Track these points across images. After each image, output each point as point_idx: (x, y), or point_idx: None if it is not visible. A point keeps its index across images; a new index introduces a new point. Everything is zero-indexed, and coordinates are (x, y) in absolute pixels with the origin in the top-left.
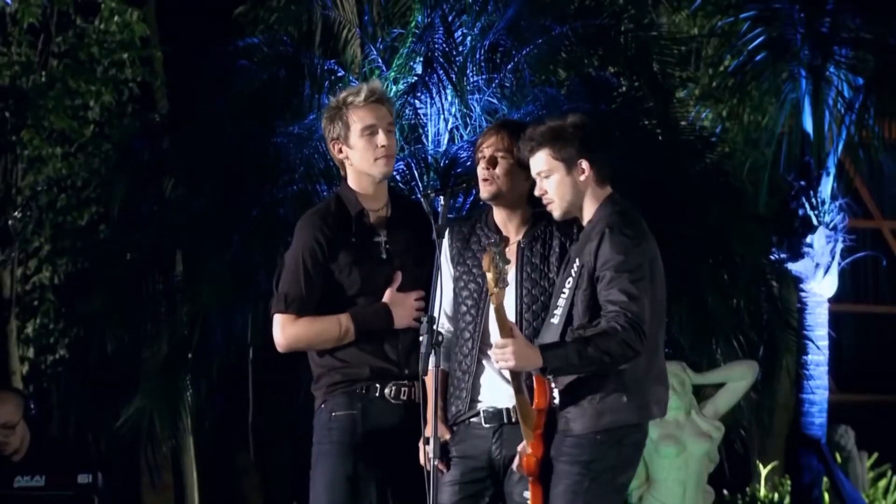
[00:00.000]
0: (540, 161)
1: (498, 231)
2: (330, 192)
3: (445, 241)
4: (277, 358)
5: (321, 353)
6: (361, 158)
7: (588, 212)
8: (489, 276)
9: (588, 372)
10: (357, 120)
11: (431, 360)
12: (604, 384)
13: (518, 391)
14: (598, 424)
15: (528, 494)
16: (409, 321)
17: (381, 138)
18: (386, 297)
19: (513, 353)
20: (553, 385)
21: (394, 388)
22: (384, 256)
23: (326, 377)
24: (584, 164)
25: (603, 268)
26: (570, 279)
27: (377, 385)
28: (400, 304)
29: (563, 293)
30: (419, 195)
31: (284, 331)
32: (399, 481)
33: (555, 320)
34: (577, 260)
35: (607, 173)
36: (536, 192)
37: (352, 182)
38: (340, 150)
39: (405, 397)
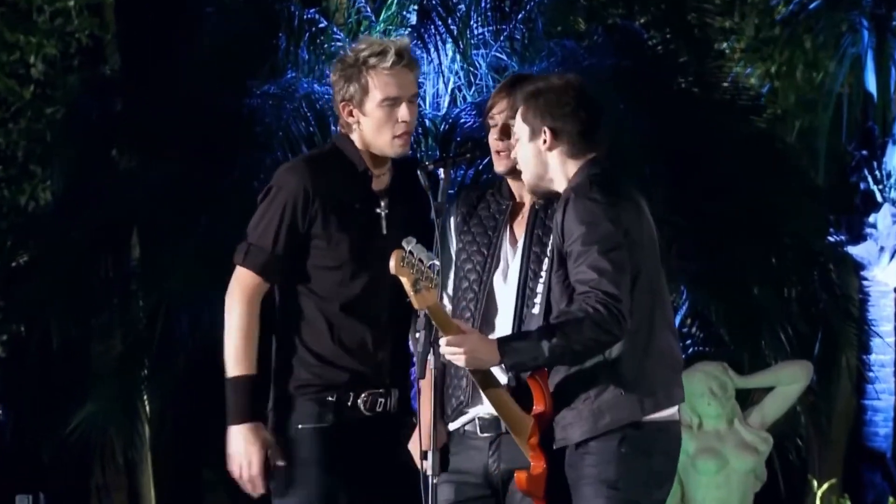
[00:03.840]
0: (517, 119)
1: (512, 197)
2: None
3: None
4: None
5: (291, 340)
6: (376, 132)
7: (563, 184)
8: (403, 280)
9: (557, 364)
10: (378, 87)
11: (430, 360)
12: (596, 380)
13: (492, 393)
14: (597, 427)
15: None
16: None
17: (403, 112)
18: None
19: (465, 350)
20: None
21: (369, 398)
22: (384, 232)
23: (293, 373)
24: (547, 133)
25: (569, 242)
26: (546, 260)
27: (351, 394)
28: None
29: (541, 277)
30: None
31: (239, 289)
32: (374, 500)
33: (535, 310)
34: (550, 238)
35: (585, 146)
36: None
37: (356, 141)
38: (351, 114)
39: (380, 409)
